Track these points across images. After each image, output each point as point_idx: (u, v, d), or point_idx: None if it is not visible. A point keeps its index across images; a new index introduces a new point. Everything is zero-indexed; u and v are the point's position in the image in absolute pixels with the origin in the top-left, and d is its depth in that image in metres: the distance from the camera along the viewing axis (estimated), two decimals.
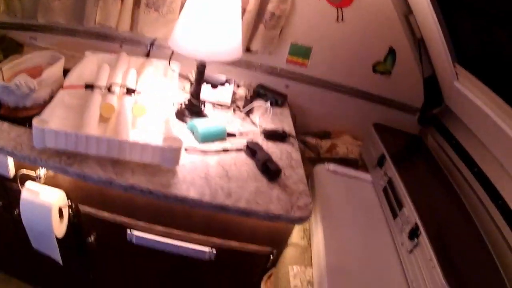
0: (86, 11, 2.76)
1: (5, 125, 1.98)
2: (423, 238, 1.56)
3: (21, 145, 1.84)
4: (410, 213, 1.72)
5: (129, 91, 2.11)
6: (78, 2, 2.82)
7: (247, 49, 2.61)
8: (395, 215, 1.85)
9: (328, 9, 2.47)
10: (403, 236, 1.73)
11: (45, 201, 1.94)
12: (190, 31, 1.96)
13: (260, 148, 1.96)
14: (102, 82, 2.18)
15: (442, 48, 2.09)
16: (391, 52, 2.53)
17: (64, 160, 1.75)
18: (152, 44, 2.76)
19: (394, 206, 1.88)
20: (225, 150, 1.99)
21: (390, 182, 2.00)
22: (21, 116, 2.10)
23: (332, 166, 2.25)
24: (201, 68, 2.15)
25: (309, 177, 2.22)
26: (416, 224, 1.64)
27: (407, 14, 2.38)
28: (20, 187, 2.02)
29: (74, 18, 2.87)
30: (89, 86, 2.14)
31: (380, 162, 2.16)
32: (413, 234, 1.65)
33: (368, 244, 1.79)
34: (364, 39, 2.53)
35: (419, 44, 2.42)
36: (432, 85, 2.48)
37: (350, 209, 1.98)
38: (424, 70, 2.50)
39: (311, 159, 2.49)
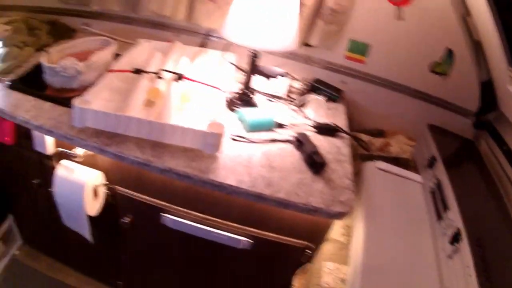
0: (140, 0, 2.82)
1: (47, 105, 2.09)
2: (464, 244, 1.55)
3: (61, 123, 1.93)
4: (454, 217, 1.71)
5: (179, 77, 2.15)
6: None
7: (306, 44, 2.64)
8: (439, 218, 1.85)
9: (388, 7, 2.48)
10: (444, 240, 1.72)
11: (78, 179, 2.04)
12: (243, 19, 1.99)
13: (308, 140, 1.97)
14: (152, 68, 2.24)
15: (498, 51, 2.07)
16: (449, 53, 2.52)
17: (103, 140, 1.82)
18: (208, 34, 2.81)
19: (440, 209, 1.87)
20: (272, 140, 2.02)
21: (438, 184, 1.98)
22: (66, 96, 2.17)
23: (382, 164, 2.25)
24: (253, 57, 2.18)
25: (358, 174, 2.24)
26: (458, 229, 1.63)
27: (465, 16, 2.37)
28: (55, 164, 2.14)
29: (128, 5, 2.94)
30: (138, 71, 2.20)
31: (431, 164, 2.14)
32: (455, 239, 1.63)
33: (409, 245, 1.79)
34: (422, 38, 2.53)
35: (477, 47, 2.41)
36: (488, 90, 2.46)
37: (396, 208, 1.98)
38: (481, 74, 2.48)
39: (362, 156, 2.49)
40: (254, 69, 2.23)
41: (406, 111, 2.74)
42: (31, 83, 2.33)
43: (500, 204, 1.89)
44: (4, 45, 2.71)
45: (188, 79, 2.17)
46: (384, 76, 2.69)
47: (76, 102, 1.78)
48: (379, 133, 2.73)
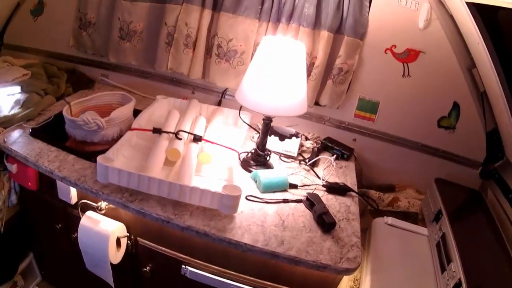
0: (157, 57, 3.10)
1: (70, 157, 2.33)
2: None
3: (85, 177, 2.16)
4: (456, 269, 1.88)
5: (196, 139, 2.40)
6: (149, 47, 3.16)
7: (316, 103, 2.90)
8: (443, 270, 2.02)
9: (395, 65, 2.73)
10: None
11: (103, 230, 2.25)
12: (255, 86, 2.22)
13: (319, 200, 2.17)
14: (171, 127, 2.48)
15: (502, 102, 2.29)
16: (455, 106, 2.73)
17: (126, 197, 2.05)
18: (223, 93, 3.08)
19: (444, 261, 2.01)
20: (285, 201, 2.21)
21: (443, 237, 2.15)
22: (88, 150, 2.42)
23: (390, 220, 2.42)
24: (267, 121, 2.42)
25: (368, 229, 2.46)
26: (459, 279, 1.80)
27: (471, 68, 2.59)
28: (80, 214, 2.35)
29: (145, 61, 3.22)
30: (157, 130, 2.44)
31: (437, 217, 2.32)
32: None
33: None
34: (429, 94, 2.75)
35: (482, 98, 2.62)
36: (494, 139, 2.65)
37: (402, 262, 2.15)
38: (487, 124, 2.69)
39: (372, 212, 2.69)
40: (267, 131, 2.45)
41: (414, 165, 2.93)
42: (53, 132, 2.56)
43: (504, 252, 2.06)
44: (25, 91, 2.93)
45: (206, 140, 2.42)
46: (393, 132, 2.91)
47: (101, 159, 2.02)
48: (389, 188, 2.92)
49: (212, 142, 2.44)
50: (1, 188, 2.64)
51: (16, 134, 2.57)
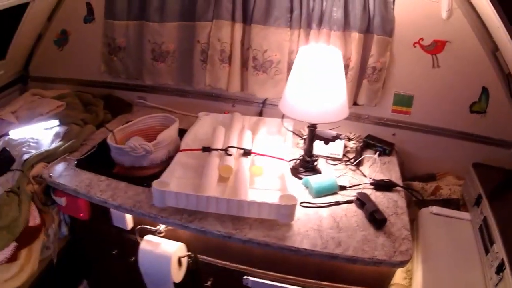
0: (194, 75, 3.39)
1: (122, 184, 2.61)
2: (507, 272, 1.89)
3: (140, 203, 2.43)
4: (499, 249, 2.04)
5: (246, 153, 2.69)
6: (184, 65, 3.45)
7: (354, 103, 3.19)
8: (487, 252, 2.19)
9: (424, 57, 2.99)
10: (491, 272, 2.05)
11: (164, 252, 2.50)
12: (298, 96, 2.50)
13: (369, 199, 2.44)
14: (219, 144, 2.76)
15: None
16: (484, 91, 2.96)
17: (185, 218, 2.31)
18: (263, 103, 3.38)
19: (487, 243, 2.22)
20: (337, 203, 2.50)
21: (485, 220, 2.34)
22: (138, 175, 2.69)
23: (435, 209, 2.65)
24: (312, 128, 2.70)
25: (415, 220, 2.69)
26: (502, 259, 1.96)
27: (494, 51, 2.80)
28: (138, 239, 2.61)
29: (182, 80, 3.52)
30: (207, 149, 2.73)
31: (478, 201, 2.52)
32: (499, 269, 1.97)
33: (462, 281, 2.17)
34: (459, 81, 2.99)
35: (508, 79, 2.83)
36: None
37: (449, 249, 2.36)
38: None
39: (417, 202, 2.94)
40: (313, 138, 2.75)
41: (452, 152, 3.18)
42: (99, 161, 2.83)
43: None
44: (63, 122, 3.18)
45: (255, 153, 2.72)
46: (429, 123, 3.17)
47: (156, 185, 2.29)
48: (430, 177, 3.18)
49: (261, 154, 2.75)
50: (51, 221, 2.87)
51: (61, 167, 2.82)
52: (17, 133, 3.17)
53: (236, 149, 2.72)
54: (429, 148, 3.25)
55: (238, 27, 3.19)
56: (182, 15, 3.35)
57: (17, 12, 3.52)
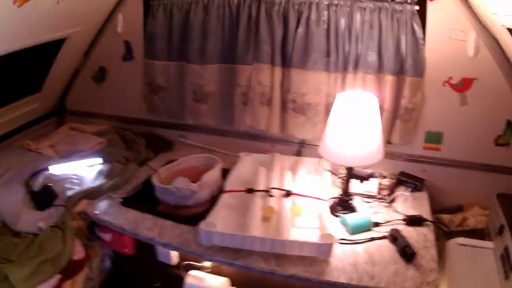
0: (235, 116, 3.80)
1: (168, 223, 2.89)
2: None
3: (187, 241, 2.72)
4: None
5: (287, 194, 3.02)
6: (225, 106, 3.82)
7: (388, 142, 3.51)
8: (507, 278, 2.45)
9: (453, 95, 3.34)
10: None
11: (210, 287, 2.84)
12: (336, 141, 2.87)
13: (400, 234, 2.76)
14: (261, 185, 3.11)
15: None
16: (509, 124, 3.27)
17: (231, 255, 2.59)
18: (302, 143, 3.73)
19: (507, 270, 2.47)
20: (372, 239, 2.82)
21: (506, 248, 2.57)
22: (183, 214, 2.97)
23: (461, 240, 2.88)
24: (349, 171, 3.06)
25: (442, 251, 2.90)
26: None
27: None
28: (183, 274, 2.93)
29: (223, 120, 3.90)
30: (250, 190, 3.06)
31: (501, 231, 2.75)
32: None
33: None
34: (485, 116, 3.31)
35: None
36: None
37: (473, 277, 2.62)
38: None
39: (445, 234, 3.18)
40: (350, 178, 3.08)
41: (478, 184, 3.47)
42: (143, 199, 3.14)
43: None
44: (106, 160, 3.51)
45: (295, 194, 3.05)
46: (457, 157, 3.51)
47: (204, 225, 2.60)
48: (458, 209, 3.48)
49: (301, 195, 3.06)
50: (95, 255, 3.16)
51: (105, 204, 3.15)
52: (58, 169, 3.50)
53: (277, 190, 3.02)
54: (457, 181, 3.54)
55: (278, 70, 3.59)
56: (222, 58, 3.73)
57: (54, 46, 3.87)
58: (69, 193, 3.20)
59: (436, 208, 3.42)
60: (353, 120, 2.82)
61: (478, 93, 3.27)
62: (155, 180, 3.03)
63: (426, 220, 3.02)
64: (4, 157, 3.73)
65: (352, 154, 2.86)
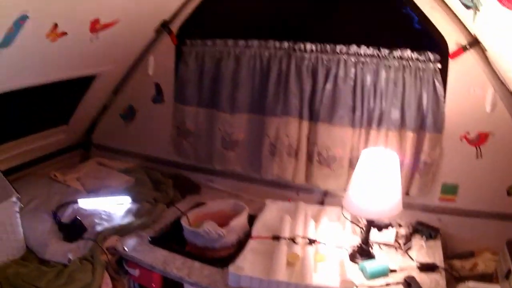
0: (263, 165, 4.12)
1: (196, 264, 3.15)
2: None
3: (216, 282, 2.97)
4: None
5: (310, 242, 3.36)
6: (253, 154, 4.18)
7: (406, 193, 3.79)
8: None
9: (469, 149, 3.63)
10: None
11: None
12: (359, 196, 3.22)
13: (414, 281, 3.02)
14: (286, 233, 3.44)
15: None
16: None
17: None
18: (325, 193, 4.13)
19: None
20: (387, 285, 3.08)
21: None
22: (211, 256, 3.23)
23: (471, 284, 3.04)
24: (369, 223, 3.37)
25: None
26: None
27: None
28: None
29: (250, 168, 4.26)
30: (276, 238, 3.38)
31: (507, 275, 2.92)
32: None
33: None
34: (499, 168, 3.57)
35: None
36: None
37: None
38: None
39: (456, 279, 3.34)
40: (370, 229, 3.38)
41: (490, 231, 3.70)
42: (171, 239, 3.44)
43: None
44: (135, 200, 3.83)
45: (318, 242, 3.38)
46: (471, 207, 3.77)
47: (233, 269, 2.90)
48: (469, 254, 3.68)
49: (324, 243, 3.39)
50: None
51: (134, 242, 3.41)
52: (87, 203, 3.83)
53: (301, 238, 3.36)
54: (470, 229, 3.80)
55: (305, 124, 3.91)
56: (252, 108, 4.13)
57: (84, 81, 4.25)
58: (99, 228, 3.47)
59: (449, 254, 3.66)
60: (376, 176, 3.16)
61: (492, 146, 3.54)
62: (184, 222, 3.35)
63: (439, 267, 3.29)
64: (30, 185, 4.02)
65: (374, 208, 3.19)
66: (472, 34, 3.39)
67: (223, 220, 3.40)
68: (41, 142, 4.42)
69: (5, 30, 2.75)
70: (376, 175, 3.18)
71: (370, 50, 3.71)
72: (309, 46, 3.83)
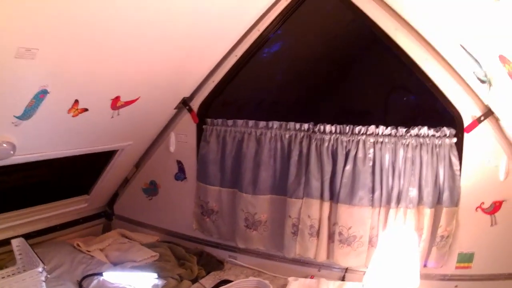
0: (285, 244, 4.15)
1: None
2: None
3: None
4: None
5: None
6: (276, 234, 4.21)
7: (424, 266, 3.80)
8: None
9: (484, 218, 3.64)
10: None
11: None
12: (379, 275, 3.34)
13: None
14: None
15: None
16: None
17: None
18: (346, 270, 4.12)
19: None
20: None
21: None
22: None
23: None
24: None
25: None
26: None
27: None
28: None
29: (273, 247, 4.27)
30: None
31: None
32: None
33: None
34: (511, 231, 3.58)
35: None
36: None
37: None
38: None
39: None
40: None
41: None
42: None
43: None
44: (160, 276, 3.85)
45: None
46: (486, 272, 3.73)
47: None
48: None
49: None
50: None
51: None
52: (112, 276, 3.86)
53: None
54: None
55: (326, 205, 3.96)
56: (274, 189, 4.17)
57: (106, 154, 4.35)
58: None
59: None
60: (395, 255, 3.26)
61: (506, 212, 3.55)
62: None
63: None
64: (54, 251, 4.08)
65: (393, 284, 3.26)
66: (485, 104, 3.47)
67: None
68: (63, 209, 4.53)
69: (25, 103, 2.91)
70: (395, 254, 3.27)
71: (388, 130, 3.78)
72: (328, 127, 3.92)
